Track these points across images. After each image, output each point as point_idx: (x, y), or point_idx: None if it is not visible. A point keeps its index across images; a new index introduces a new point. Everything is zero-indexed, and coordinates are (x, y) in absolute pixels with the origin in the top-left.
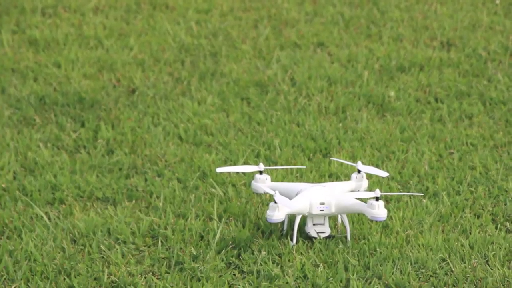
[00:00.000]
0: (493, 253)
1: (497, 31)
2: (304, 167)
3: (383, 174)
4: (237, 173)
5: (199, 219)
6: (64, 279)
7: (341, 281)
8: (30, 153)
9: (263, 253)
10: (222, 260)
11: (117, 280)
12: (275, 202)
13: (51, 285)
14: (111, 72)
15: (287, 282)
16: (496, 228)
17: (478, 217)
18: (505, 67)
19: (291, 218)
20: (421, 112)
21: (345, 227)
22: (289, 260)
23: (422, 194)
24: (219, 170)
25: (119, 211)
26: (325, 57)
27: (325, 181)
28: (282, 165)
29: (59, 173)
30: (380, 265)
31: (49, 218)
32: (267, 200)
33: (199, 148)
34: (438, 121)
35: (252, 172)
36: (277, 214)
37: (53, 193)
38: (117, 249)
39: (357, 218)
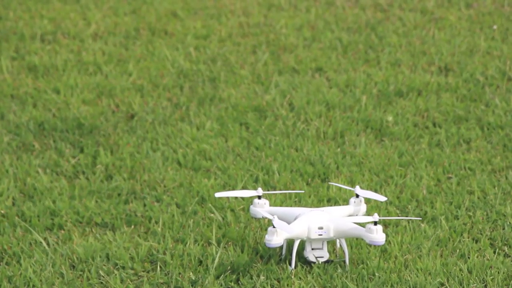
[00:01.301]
0: (491, 277)
1: (495, 56)
2: (303, 191)
3: (382, 198)
4: (236, 198)
5: (198, 244)
6: None
7: None
8: (29, 179)
9: (262, 277)
10: (221, 285)
11: None
12: (274, 227)
13: None
14: (110, 97)
15: None
16: (494, 252)
17: (476, 242)
18: (502, 91)
19: (290, 242)
20: (419, 136)
21: (343, 251)
22: (287, 285)
23: (421, 219)
24: (217, 195)
25: (118, 236)
26: (323, 82)
27: (323, 206)
28: (280, 189)
29: (58, 199)
30: None
31: (48, 244)
32: (265, 224)
33: (197, 173)
34: (436, 145)
35: (251, 197)
36: (275, 238)
37: (52, 218)
38: (116, 275)
39: (356, 242)
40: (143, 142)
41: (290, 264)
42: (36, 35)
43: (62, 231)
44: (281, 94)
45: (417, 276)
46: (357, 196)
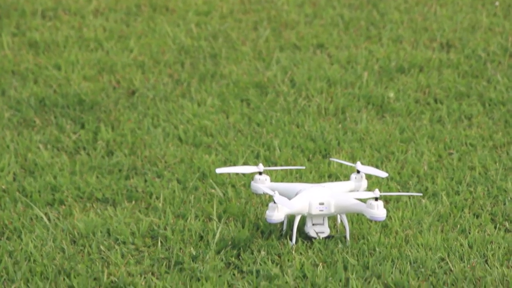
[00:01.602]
0: (492, 252)
1: (497, 32)
2: (304, 167)
3: (383, 174)
4: (237, 174)
5: (199, 220)
6: (64, 279)
7: (340, 281)
8: (30, 154)
9: (263, 253)
10: (222, 260)
11: (116, 280)
12: (275, 203)
13: (50, 285)
14: (111, 74)
15: (286, 282)
16: (495, 227)
17: (477, 217)
18: (504, 68)
19: (291, 218)
20: (420, 113)
21: (344, 227)
22: (288, 260)
23: (421, 194)
24: (218, 171)
25: (118, 211)
26: (324, 59)
27: (324, 182)
28: (281, 165)
29: (59, 174)
30: (379, 265)
31: (48, 219)
32: (266, 200)
33: (198, 149)
34: (437, 121)
35: (252, 173)
36: (276, 214)
37: (53, 194)
38: (116, 250)
39: (357, 218)
40: (144, 118)
41: (291, 240)
42: (37, 11)
43: (63, 207)
44: (282, 70)
45: (417, 251)
46: (358, 172)
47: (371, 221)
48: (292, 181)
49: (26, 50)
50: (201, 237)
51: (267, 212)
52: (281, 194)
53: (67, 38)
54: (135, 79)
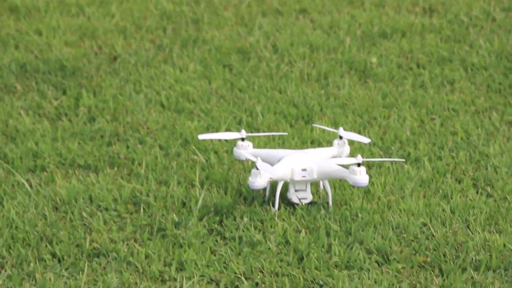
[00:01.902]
0: (474, 217)
1: None
2: (286, 133)
3: (365, 140)
4: (219, 140)
5: (181, 186)
6: (46, 246)
7: (323, 247)
8: (11, 120)
9: (245, 219)
10: (204, 227)
11: (99, 246)
12: (257, 169)
13: (32, 252)
14: (92, 39)
15: (269, 248)
16: (477, 192)
17: (459, 182)
18: (486, 32)
19: (273, 184)
20: (403, 78)
21: (327, 193)
22: (271, 226)
23: (404, 160)
24: (201, 137)
25: (101, 178)
26: (307, 24)
27: (307, 148)
28: (264, 131)
29: (40, 141)
30: (362, 231)
31: (30, 186)
32: (249, 167)
33: (181, 115)
34: (420, 87)
35: (234, 139)
36: (259, 180)
37: (34, 160)
38: (99, 216)
39: (339, 184)
40: (126, 84)
41: (273, 206)
42: None
43: (45, 173)
44: (264, 36)
45: (400, 217)
46: (341, 138)
47: (353, 187)
48: (274, 147)
49: (7, 16)
50: (184, 204)
51: (250, 178)
52: (263, 160)
53: (48, 3)
54: (117, 45)
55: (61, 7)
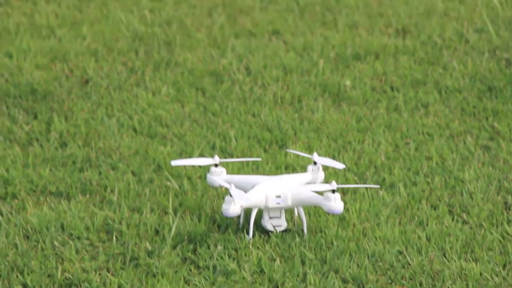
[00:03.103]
0: (450, 245)
1: (452, 17)
2: (260, 159)
3: (340, 166)
4: (193, 166)
5: (154, 213)
6: (17, 276)
7: (298, 276)
8: None
9: (219, 247)
10: (178, 255)
11: (71, 277)
12: (231, 196)
13: (3, 282)
14: (64, 62)
15: (243, 277)
16: (452, 219)
17: (434, 209)
18: (460, 54)
19: (248, 211)
20: (377, 101)
21: (301, 220)
22: (245, 255)
23: (379, 186)
24: (174, 163)
25: (72, 205)
26: (280, 46)
27: (281, 173)
28: (238, 157)
29: (11, 167)
30: (337, 259)
31: (1, 214)
32: (223, 193)
33: (154, 140)
34: (394, 110)
35: (208, 165)
36: (233, 207)
37: (5, 187)
38: (71, 245)
39: (314, 210)
40: (98, 108)
41: (248, 234)
42: None
43: (16, 200)
44: (237, 58)
45: (375, 245)
46: (315, 163)
47: (328, 214)
48: (248, 173)
49: None
50: (157, 232)
51: (224, 205)
52: (237, 186)
53: (18, 25)
54: (89, 68)
55: (32, 29)
